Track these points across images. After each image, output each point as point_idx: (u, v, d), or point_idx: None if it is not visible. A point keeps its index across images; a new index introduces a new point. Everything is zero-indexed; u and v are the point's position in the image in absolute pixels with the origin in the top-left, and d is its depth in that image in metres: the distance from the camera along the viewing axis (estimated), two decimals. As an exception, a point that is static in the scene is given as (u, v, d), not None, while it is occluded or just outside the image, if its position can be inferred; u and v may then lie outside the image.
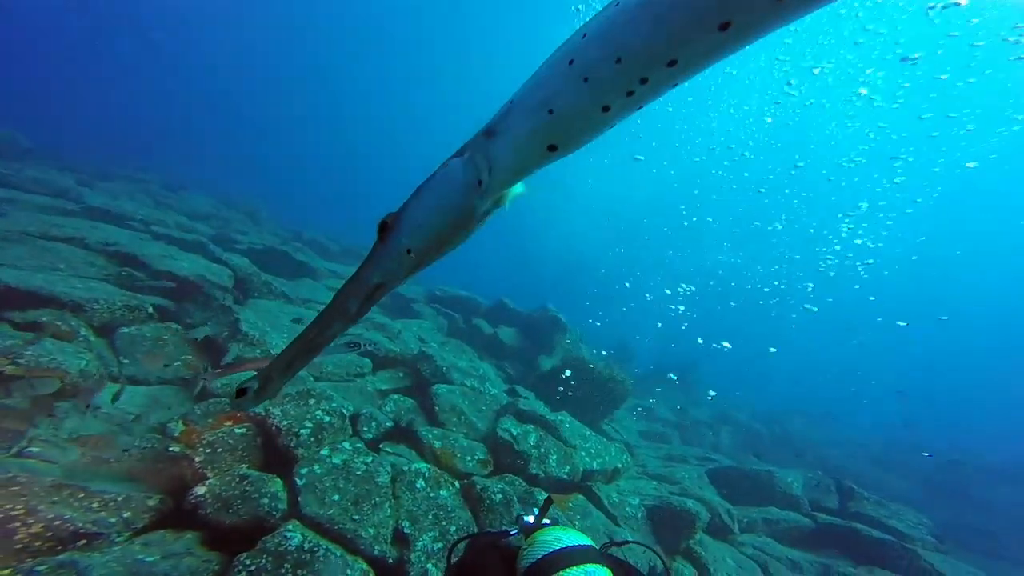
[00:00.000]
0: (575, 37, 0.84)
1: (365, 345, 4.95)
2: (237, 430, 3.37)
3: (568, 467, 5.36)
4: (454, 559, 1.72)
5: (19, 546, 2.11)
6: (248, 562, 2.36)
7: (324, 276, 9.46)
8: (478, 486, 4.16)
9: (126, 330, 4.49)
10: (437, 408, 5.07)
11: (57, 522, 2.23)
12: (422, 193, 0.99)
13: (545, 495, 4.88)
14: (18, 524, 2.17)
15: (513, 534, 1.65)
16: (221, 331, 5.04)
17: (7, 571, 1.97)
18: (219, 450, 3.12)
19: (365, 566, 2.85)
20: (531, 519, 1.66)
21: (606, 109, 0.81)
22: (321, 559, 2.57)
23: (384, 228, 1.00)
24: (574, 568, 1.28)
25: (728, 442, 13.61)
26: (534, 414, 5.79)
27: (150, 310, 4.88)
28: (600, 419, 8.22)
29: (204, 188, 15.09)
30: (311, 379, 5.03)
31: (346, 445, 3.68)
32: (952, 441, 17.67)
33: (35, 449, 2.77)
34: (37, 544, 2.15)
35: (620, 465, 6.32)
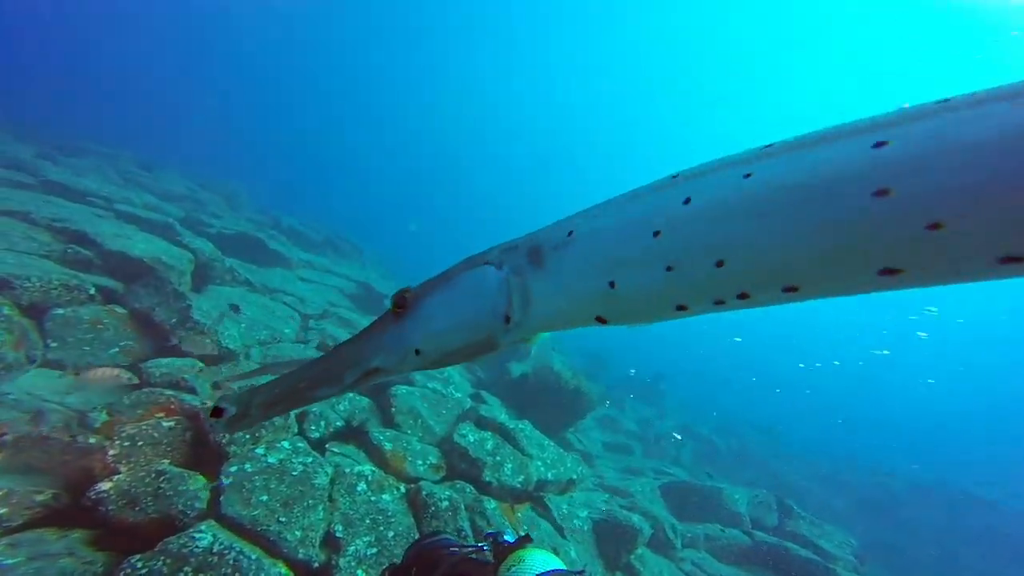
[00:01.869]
0: (670, 191, 0.61)
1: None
2: (165, 423, 3.11)
3: (522, 476, 5.22)
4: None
5: None
6: (140, 564, 2.12)
7: (298, 266, 9.12)
8: (424, 491, 3.98)
9: (60, 311, 4.14)
10: (394, 409, 4.87)
11: None
12: (444, 295, 0.84)
13: (494, 504, 4.74)
14: None
15: (484, 549, 1.60)
16: (170, 317, 4.73)
17: None
18: (140, 443, 2.86)
19: (284, 570, 2.64)
20: (508, 538, 1.58)
21: (681, 308, 0.62)
22: (230, 563, 2.36)
23: (400, 305, 0.87)
24: None
25: (688, 456, 13.74)
26: (494, 421, 5.65)
27: (91, 291, 4.53)
28: (564, 429, 8.12)
29: (185, 169, 14.47)
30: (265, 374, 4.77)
31: (285, 444, 3.46)
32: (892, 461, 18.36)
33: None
34: None
35: (575, 476, 6.22)
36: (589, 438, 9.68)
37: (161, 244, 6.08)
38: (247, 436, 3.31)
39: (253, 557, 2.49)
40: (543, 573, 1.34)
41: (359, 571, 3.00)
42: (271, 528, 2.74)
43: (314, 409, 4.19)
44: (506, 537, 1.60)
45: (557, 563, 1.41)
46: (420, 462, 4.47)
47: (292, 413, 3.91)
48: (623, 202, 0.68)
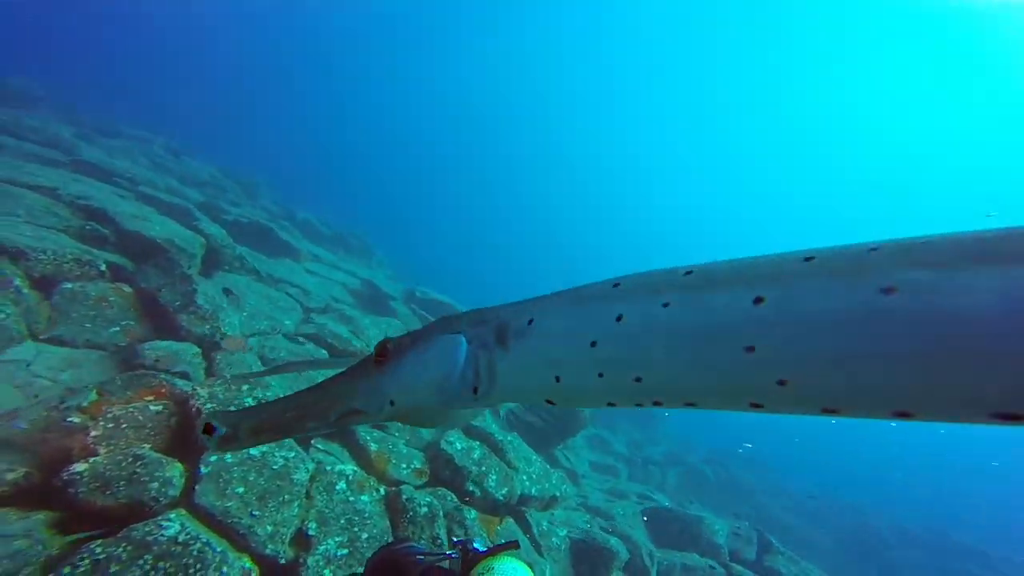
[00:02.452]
0: (607, 307, 0.68)
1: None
2: (152, 407, 3.08)
3: (506, 489, 5.10)
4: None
5: None
6: (98, 550, 2.05)
7: (306, 259, 9.17)
8: (404, 496, 3.89)
9: (69, 285, 4.17)
10: (380, 410, 4.80)
11: None
12: (419, 355, 0.89)
13: (475, 514, 4.62)
14: None
15: (452, 556, 1.53)
16: (174, 300, 4.74)
17: None
18: (123, 426, 2.82)
19: (249, 564, 2.56)
20: (478, 546, 1.53)
21: (611, 404, 0.72)
22: (194, 554, 2.29)
23: (381, 354, 0.92)
24: None
25: (674, 483, 13.41)
26: (484, 431, 5.55)
27: (102, 267, 4.56)
28: (553, 445, 7.97)
29: (211, 157, 14.75)
30: (258, 362, 4.74)
31: (269, 436, 3.40)
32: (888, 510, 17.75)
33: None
34: None
35: (559, 494, 6.07)
36: (578, 456, 9.49)
37: (176, 227, 6.15)
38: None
39: (219, 549, 2.42)
40: None
41: (326, 571, 2.91)
42: (242, 521, 2.67)
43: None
44: (475, 545, 1.54)
45: (525, 572, 1.37)
46: (404, 466, 4.38)
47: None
48: (572, 303, 0.75)
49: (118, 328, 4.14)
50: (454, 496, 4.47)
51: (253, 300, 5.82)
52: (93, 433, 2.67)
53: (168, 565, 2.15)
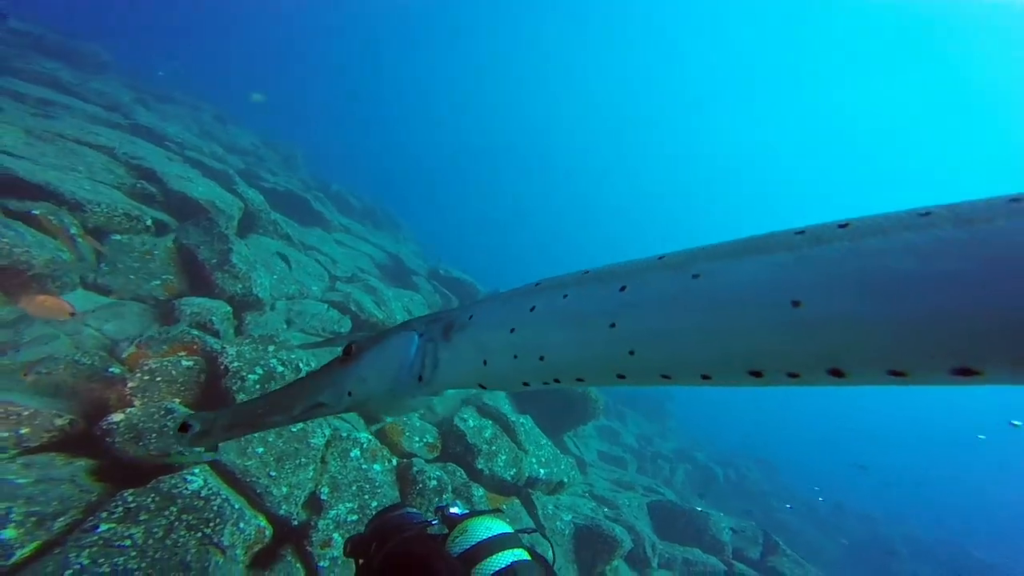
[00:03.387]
0: (526, 299, 0.82)
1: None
2: (184, 362, 3.15)
3: (514, 470, 5.08)
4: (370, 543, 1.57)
5: None
6: (130, 499, 2.11)
7: (336, 230, 9.26)
8: (415, 468, 3.90)
9: (117, 237, 4.31)
10: (398, 383, 4.82)
11: None
12: (377, 350, 1.01)
13: (482, 491, 4.63)
14: None
15: (434, 524, 1.57)
16: (211, 257, 4.84)
17: None
18: (157, 379, 2.89)
19: (263, 523, 2.61)
20: (455, 511, 1.58)
21: (525, 384, 0.83)
22: (214, 509, 2.33)
23: (347, 352, 1.02)
24: (504, 552, 1.31)
25: (682, 479, 13.22)
26: (497, 411, 5.51)
27: (148, 223, 4.69)
28: (563, 431, 7.91)
29: (255, 126, 15.02)
30: (283, 326, 4.82)
31: (291, 399, 3.44)
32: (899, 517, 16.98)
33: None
34: None
35: (566, 480, 6.02)
36: (586, 445, 9.42)
37: (218, 190, 6.27)
38: (257, 387, 3.31)
39: (236, 506, 2.46)
40: (487, 538, 1.34)
41: (336, 535, 2.95)
42: (260, 481, 2.71)
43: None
44: (453, 510, 1.59)
45: (502, 527, 1.41)
46: (417, 439, 4.40)
47: (301, 370, 3.90)
48: (503, 300, 0.87)
49: (159, 282, 4.26)
50: (463, 472, 4.48)
51: (283, 265, 5.90)
52: (130, 384, 2.74)
53: (191, 518, 2.19)
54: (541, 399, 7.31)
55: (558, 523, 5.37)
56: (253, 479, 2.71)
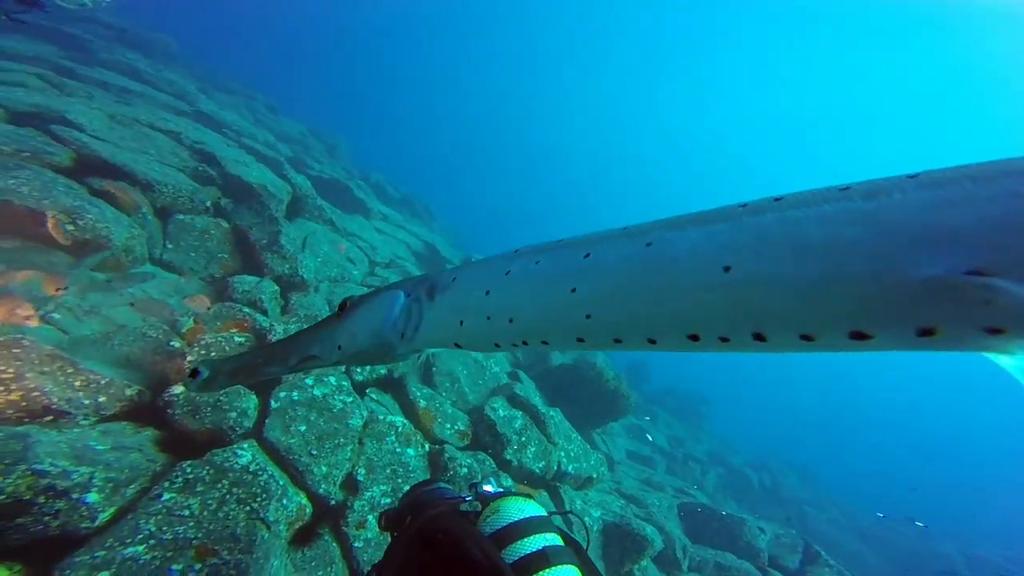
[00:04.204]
0: (503, 264, 0.87)
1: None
2: (237, 338, 3.27)
3: (543, 462, 5.00)
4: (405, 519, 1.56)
5: None
6: (189, 470, 2.21)
7: (376, 217, 9.44)
8: (447, 455, 3.91)
9: (181, 216, 4.55)
10: (435, 369, 4.84)
11: (36, 393, 2.14)
12: (367, 306, 1.04)
13: (511, 482, 4.60)
14: (2, 388, 2.11)
15: (467, 500, 1.53)
16: (262, 238, 5.03)
17: None
18: (212, 353, 3.02)
19: (304, 501, 2.67)
20: (488, 488, 1.55)
21: (496, 345, 0.91)
22: (261, 484, 2.40)
23: (341, 308, 1.08)
24: (536, 536, 1.28)
25: (714, 482, 12.70)
26: (527, 402, 5.44)
27: (208, 204, 4.92)
28: (592, 427, 7.75)
29: (302, 116, 15.56)
30: (325, 308, 4.94)
31: (332, 379, 3.51)
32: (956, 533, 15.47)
33: (57, 315, 2.75)
34: (9, 412, 2.06)
35: (595, 475, 5.88)
36: (614, 443, 9.21)
37: (269, 175, 6.50)
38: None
39: (281, 483, 2.53)
40: (519, 520, 1.31)
41: (370, 517, 2.99)
42: (302, 459, 2.78)
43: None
44: (486, 487, 1.56)
45: (535, 509, 1.38)
46: (449, 426, 4.41)
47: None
48: (482, 264, 0.93)
49: (215, 260, 4.48)
50: (492, 462, 4.45)
51: (327, 248, 6.06)
52: (188, 358, 2.88)
53: (241, 492, 2.27)
54: (572, 393, 7.17)
55: (586, 519, 5.28)
56: (295, 457, 2.78)
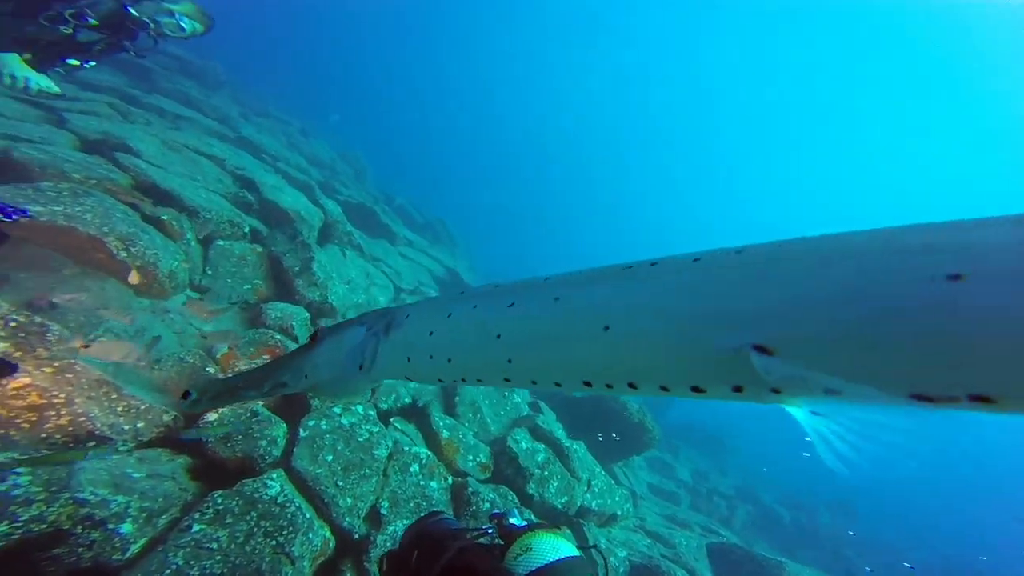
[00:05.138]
0: (445, 307, 0.96)
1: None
2: (268, 363, 3.34)
3: (566, 498, 4.82)
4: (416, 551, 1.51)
5: (44, 435, 2.10)
6: (219, 500, 2.21)
7: (401, 243, 9.66)
8: (470, 488, 3.81)
9: (221, 243, 4.75)
10: (457, 399, 4.79)
11: (82, 418, 2.20)
12: (332, 339, 1.12)
13: (532, 516, 4.43)
14: (53, 413, 2.16)
15: (488, 532, 1.49)
16: (295, 265, 5.19)
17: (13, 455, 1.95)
18: (245, 378, 3.08)
19: (328, 534, 2.63)
20: (514, 521, 1.50)
21: (440, 380, 0.97)
22: (288, 516, 2.38)
23: (311, 339, 1.16)
24: None
25: (742, 519, 11.94)
26: (550, 435, 5.30)
27: (246, 230, 5.14)
28: (613, 460, 7.47)
29: (331, 137, 16.32)
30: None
31: (359, 409, 3.51)
32: None
33: (105, 339, 2.87)
34: (57, 436, 2.11)
35: (620, 512, 5.63)
36: (636, 476, 8.83)
37: (302, 200, 6.78)
38: (328, 393, 3.42)
39: (307, 515, 2.51)
40: (554, 561, 1.25)
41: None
42: (327, 490, 2.76)
43: (387, 381, 4.26)
44: (512, 520, 1.50)
45: (569, 548, 1.32)
46: (471, 457, 4.32)
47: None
48: (430, 304, 1.07)
49: (250, 286, 4.63)
50: (515, 496, 4.31)
51: (355, 274, 6.20)
52: (222, 383, 2.94)
53: (268, 524, 2.25)
54: (594, 425, 6.96)
55: (612, 559, 5.00)
56: (322, 488, 2.76)
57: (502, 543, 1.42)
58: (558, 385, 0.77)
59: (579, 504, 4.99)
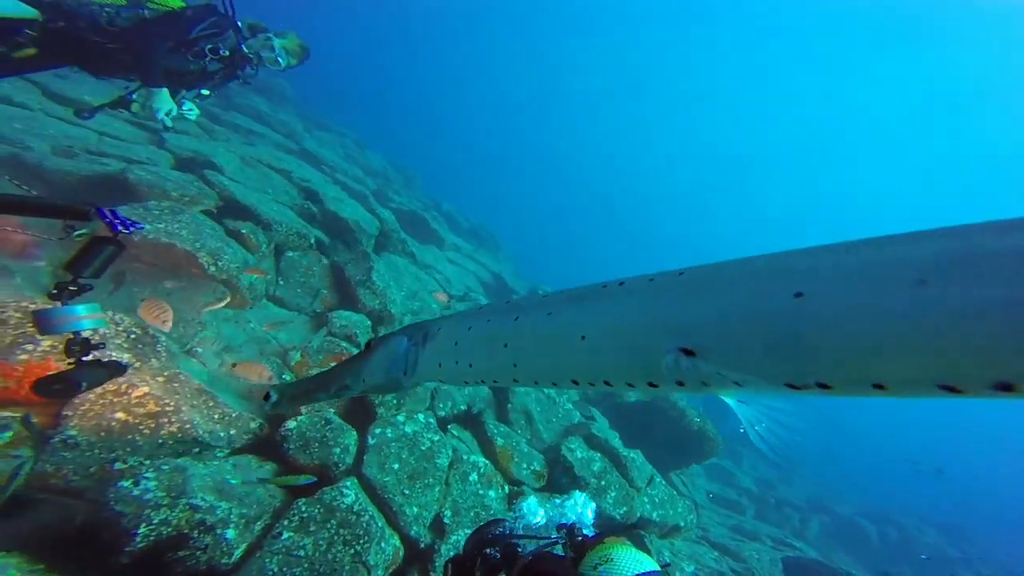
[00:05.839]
0: (464, 321, 1.14)
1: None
2: (337, 372, 3.53)
3: (625, 508, 4.65)
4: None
5: (160, 441, 2.35)
6: (304, 508, 2.36)
7: (448, 248, 9.85)
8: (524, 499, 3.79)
9: (291, 254, 5.10)
10: (510, 406, 4.79)
11: (188, 426, 2.43)
12: (381, 348, 1.27)
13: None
14: (166, 420, 2.40)
15: (559, 541, 1.51)
16: (356, 274, 5.45)
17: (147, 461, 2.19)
18: (318, 387, 3.28)
19: (398, 543, 2.72)
20: (587, 532, 1.51)
21: (466, 382, 1.16)
22: (364, 524, 2.49)
23: (367, 346, 1.32)
24: None
25: (817, 532, 10.91)
26: (606, 444, 5.14)
27: (312, 241, 5.48)
28: (671, 469, 7.11)
29: (382, 146, 17.04)
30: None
31: (420, 417, 3.61)
32: None
33: (199, 350, 3.18)
34: (171, 443, 2.35)
35: (682, 524, 5.34)
36: (694, 484, 8.36)
37: (360, 210, 7.11)
38: (393, 401, 3.54)
39: (379, 524, 2.61)
40: (638, 575, 1.24)
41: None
42: (395, 499, 2.86)
43: (444, 387, 4.35)
44: (584, 531, 1.50)
45: (650, 564, 1.31)
46: (525, 465, 4.29)
47: (428, 385, 4.10)
48: (455, 319, 1.19)
49: (317, 296, 4.94)
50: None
51: (409, 281, 6.40)
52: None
53: (346, 533, 2.37)
54: (649, 432, 6.66)
55: (678, 574, 4.78)
56: (390, 496, 2.86)
57: (574, 554, 1.40)
58: (555, 384, 0.93)
59: (639, 515, 4.80)
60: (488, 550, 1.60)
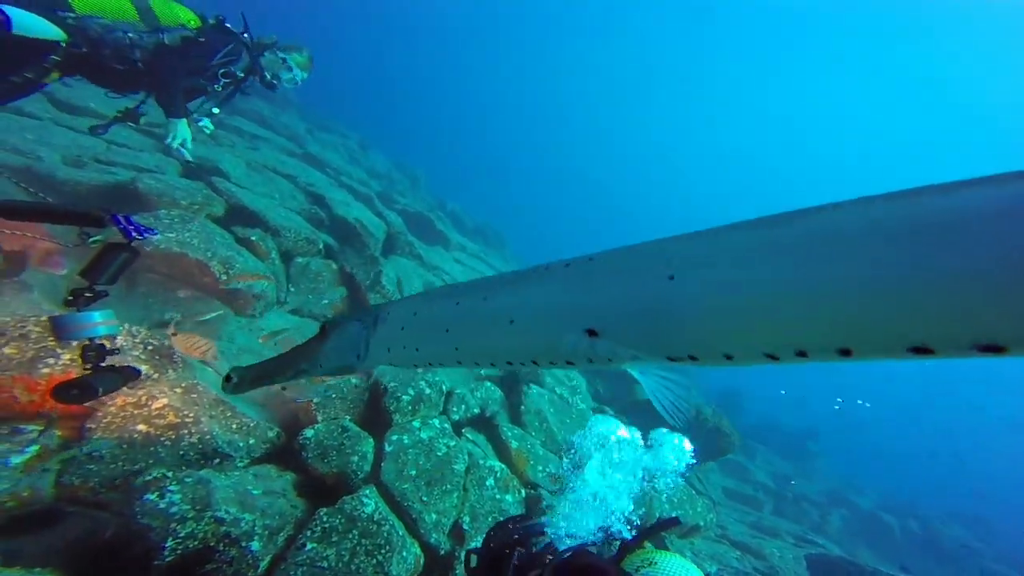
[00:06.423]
0: (409, 304, 1.23)
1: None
2: (353, 380, 3.53)
3: (643, 509, 4.63)
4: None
5: (180, 452, 2.36)
6: (325, 518, 2.37)
7: (454, 248, 9.84)
8: (544, 502, 3.78)
9: (300, 259, 5.12)
10: (523, 408, 4.77)
11: (207, 436, 2.44)
12: (336, 332, 1.31)
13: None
14: (186, 431, 2.41)
15: (596, 543, 1.60)
16: (366, 279, 5.47)
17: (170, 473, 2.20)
18: (333, 396, 3.29)
19: (419, 551, 2.73)
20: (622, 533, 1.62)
21: (415, 366, 1.22)
22: (384, 534, 2.50)
23: (321, 330, 1.35)
24: None
25: (838, 527, 10.80)
26: (619, 441, 5.12)
27: (321, 246, 5.49)
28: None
29: (386, 147, 17.05)
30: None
31: (435, 422, 3.61)
32: None
33: (215, 360, 3.20)
34: (192, 454, 2.36)
35: (702, 523, 5.31)
36: (708, 480, 8.29)
37: (367, 213, 7.12)
38: (409, 407, 3.55)
39: (400, 533, 2.62)
40: None
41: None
42: (414, 506, 2.86)
43: (458, 391, 4.34)
44: (624, 534, 1.60)
45: (695, 572, 1.33)
46: (540, 468, 4.28)
47: (442, 388, 4.09)
48: (402, 303, 1.28)
49: (327, 301, 4.96)
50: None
51: (417, 283, 6.40)
52: (315, 400, 3.16)
53: (368, 543, 2.38)
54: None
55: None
56: (409, 503, 2.87)
57: (618, 554, 1.43)
58: (493, 364, 0.99)
59: (657, 515, 4.77)
60: (518, 549, 1.62)
